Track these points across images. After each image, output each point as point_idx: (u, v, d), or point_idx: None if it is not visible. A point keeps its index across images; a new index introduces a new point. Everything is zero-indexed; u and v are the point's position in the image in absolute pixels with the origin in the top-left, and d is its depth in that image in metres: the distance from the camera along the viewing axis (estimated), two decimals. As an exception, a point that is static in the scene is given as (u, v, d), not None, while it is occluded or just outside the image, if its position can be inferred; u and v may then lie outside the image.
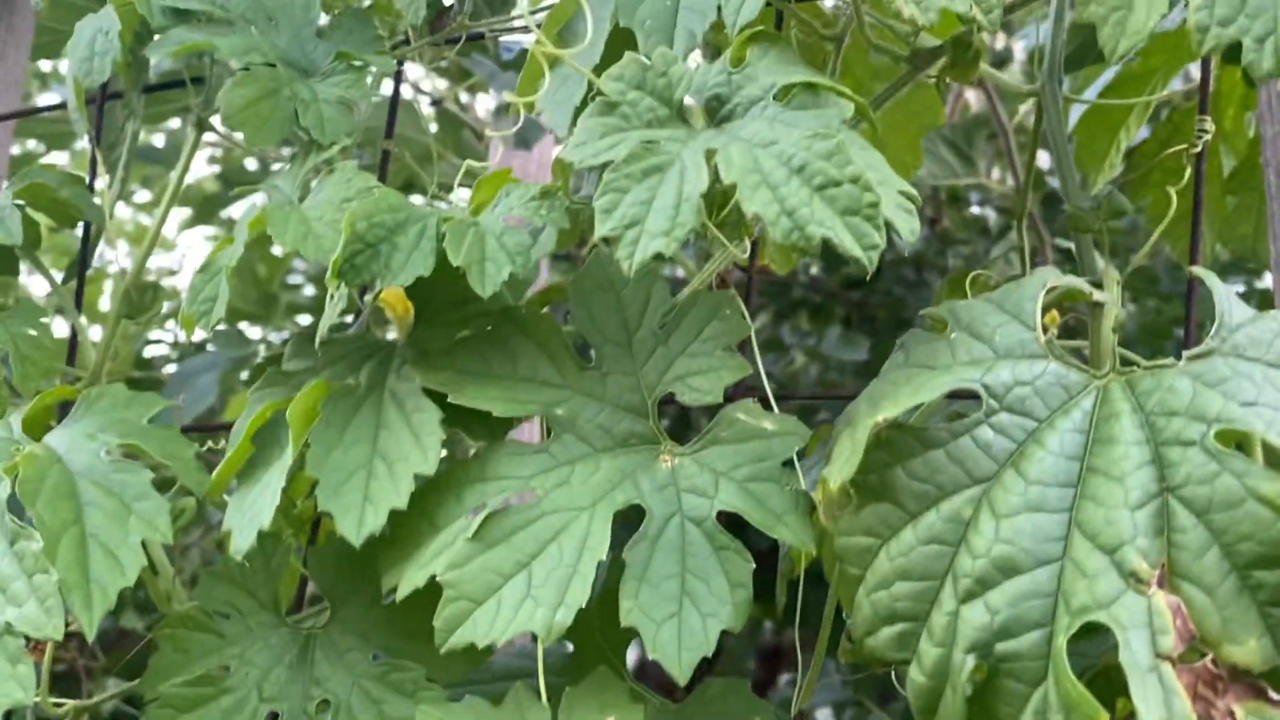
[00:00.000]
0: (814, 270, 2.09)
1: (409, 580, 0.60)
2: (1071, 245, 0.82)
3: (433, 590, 0.60)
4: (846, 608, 0.56)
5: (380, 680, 0.64)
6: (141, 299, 1.11)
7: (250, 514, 0.62)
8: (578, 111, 0.67)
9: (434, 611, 0.65)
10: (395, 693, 0.64)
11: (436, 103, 1.68)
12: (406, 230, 0.62)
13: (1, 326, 0.77)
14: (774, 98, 0.58)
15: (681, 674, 0.55)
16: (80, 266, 0.92)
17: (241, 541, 0.62)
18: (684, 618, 0.56)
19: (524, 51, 1.25)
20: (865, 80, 1.01)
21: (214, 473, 0.67)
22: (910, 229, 0.54)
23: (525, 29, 0.80)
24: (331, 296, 0.64)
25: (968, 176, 1.95)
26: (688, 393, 0.62)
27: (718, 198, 0.62)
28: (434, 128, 1.89)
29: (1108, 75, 1.06)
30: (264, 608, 0.68)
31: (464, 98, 1.98)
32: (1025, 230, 0.90)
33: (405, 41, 0.85)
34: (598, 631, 0.68)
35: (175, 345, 2.12)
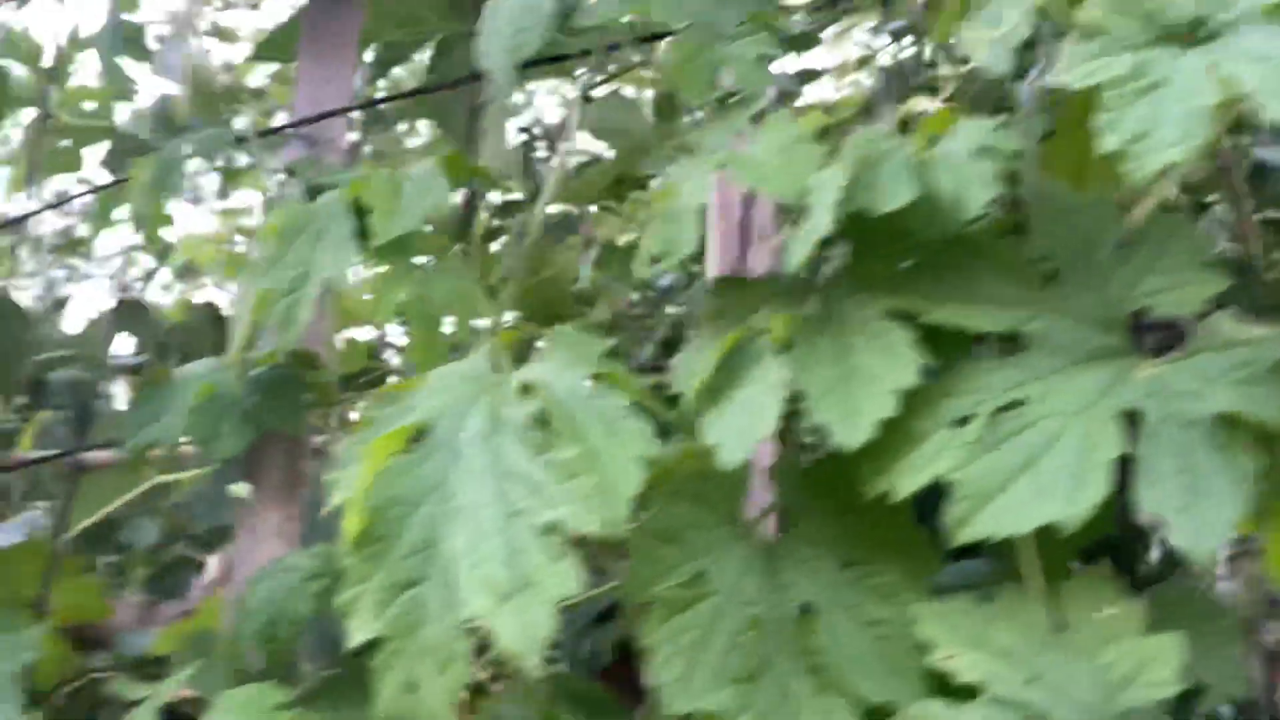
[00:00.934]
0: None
1: (908, 482, 0.64)
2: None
3: (894, 507, 0.65)
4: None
5: (856, 585, 0.69)
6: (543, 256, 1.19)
7: (739, 427, 0.68)
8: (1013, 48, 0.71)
9: (895, 524, 0.69)
10: (874, 596, 0.68)
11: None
12: (884, 165, 0.67)
13: (444, 283, 0.85)
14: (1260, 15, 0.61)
15: (1204, 558, 0.58)
16: (470, 223, 1.01)
17: (736, 453, 0.67)
18: (1198, 508, 0.59)
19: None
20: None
21: (681, 401, 0.73)
22: None
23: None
24: (800, 229, 0.69)
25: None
26: (1162, 307, 0.65)
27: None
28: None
29: None
30: (724, 521, 0.73)
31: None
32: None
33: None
34: (1033, 544, 0.71)
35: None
